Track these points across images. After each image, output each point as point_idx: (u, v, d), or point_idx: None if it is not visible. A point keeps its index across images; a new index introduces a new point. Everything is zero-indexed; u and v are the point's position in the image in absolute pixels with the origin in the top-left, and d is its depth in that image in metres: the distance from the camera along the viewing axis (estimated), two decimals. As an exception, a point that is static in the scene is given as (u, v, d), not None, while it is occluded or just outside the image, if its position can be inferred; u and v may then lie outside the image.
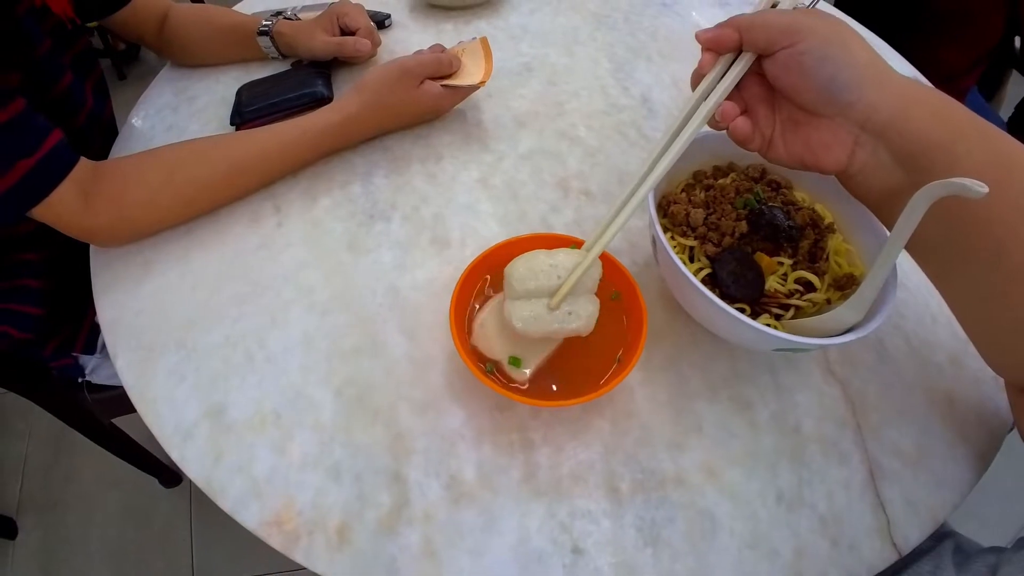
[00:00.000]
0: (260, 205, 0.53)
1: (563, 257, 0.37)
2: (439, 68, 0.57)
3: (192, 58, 0.68)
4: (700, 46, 0.36)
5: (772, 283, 0.43)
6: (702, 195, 0.47)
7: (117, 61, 1.91)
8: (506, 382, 0.39)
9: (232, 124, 0.60)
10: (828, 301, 0.45)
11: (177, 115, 0.63)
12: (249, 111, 0.59)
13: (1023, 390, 0.39)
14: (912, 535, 0.43)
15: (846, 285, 0.45)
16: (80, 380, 0.70)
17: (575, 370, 0.41)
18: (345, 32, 0.65)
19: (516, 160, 0.58)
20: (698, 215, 0.45)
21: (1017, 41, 0.98)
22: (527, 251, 0.39)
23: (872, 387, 0.48)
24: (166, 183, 0.50)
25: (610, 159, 0.58)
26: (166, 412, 0.43)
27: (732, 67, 0.36)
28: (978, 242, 0.33)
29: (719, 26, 0.36)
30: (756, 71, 0.36)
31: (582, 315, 0.37)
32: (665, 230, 0.46)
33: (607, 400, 0.43)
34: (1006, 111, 1.14)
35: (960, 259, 0.35)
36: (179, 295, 0.49)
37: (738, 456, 0.42)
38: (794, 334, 0.42)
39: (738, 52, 0.36)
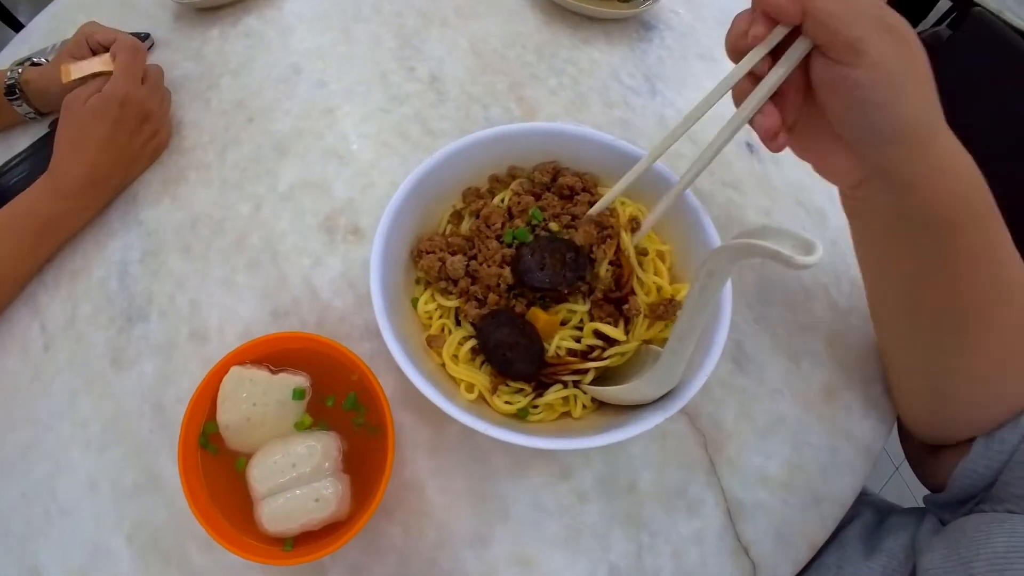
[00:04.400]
0: (27, 327, 0.47)
1: (300, 449, 0.33)
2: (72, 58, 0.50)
3: (-50, 143, 0.59)
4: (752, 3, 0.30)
5: (562, 342, 0.34)
6: (469, 226, 0.37)
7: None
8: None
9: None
10: (648, 342, 0.35)
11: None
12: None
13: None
14: (784, 571, 0.37)
15: (666, 314, 0.35)
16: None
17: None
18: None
19: (275, 204, 0.48)
20: (457, 265, 0.35)
21: None
22: (268, 350, 0.35)
23: (728, 409, 0.40)
24: None
25: (385, 174, 0.48)
26: (-11, 594, 0.42)
27: (784, 59, 0.30)
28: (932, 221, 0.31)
29: None
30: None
31: (331, 499, 0.32)
32: (425, 286, 0.37)
33: (395, 502, 0.37)
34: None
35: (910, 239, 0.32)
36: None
37: (557, 536, 0.37)
38: (601, 398, 0.34)
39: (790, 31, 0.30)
